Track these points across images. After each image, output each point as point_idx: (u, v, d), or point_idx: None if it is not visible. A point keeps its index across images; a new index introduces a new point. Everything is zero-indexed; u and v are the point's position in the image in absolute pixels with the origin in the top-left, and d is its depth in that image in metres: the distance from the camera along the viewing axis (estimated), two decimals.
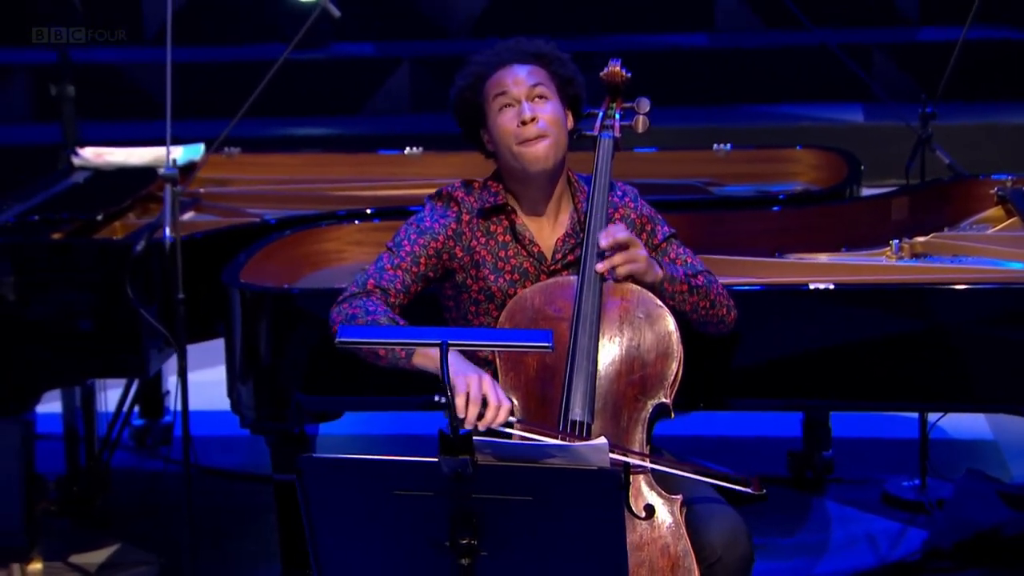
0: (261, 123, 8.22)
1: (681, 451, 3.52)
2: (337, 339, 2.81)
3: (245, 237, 4.46)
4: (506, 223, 3.47)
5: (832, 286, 3.85)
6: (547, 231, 3.50)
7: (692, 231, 4.39)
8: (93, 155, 5.25)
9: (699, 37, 9.45)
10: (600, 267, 3.32)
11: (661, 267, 3.40)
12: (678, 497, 3.23)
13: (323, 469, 2.77)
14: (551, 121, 3.37)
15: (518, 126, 3.37)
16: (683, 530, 3.19)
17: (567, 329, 3.28)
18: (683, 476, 3.25)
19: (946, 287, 3.88)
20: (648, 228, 3.52)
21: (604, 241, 3.32)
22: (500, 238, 3.47)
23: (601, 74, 3.54)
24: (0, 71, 8.88)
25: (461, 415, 3.05)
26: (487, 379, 3.15)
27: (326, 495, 2.78)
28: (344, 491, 2.77)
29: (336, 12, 4.61)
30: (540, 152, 3.38)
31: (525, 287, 3.43)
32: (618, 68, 3.51)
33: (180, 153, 5.23)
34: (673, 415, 3.36)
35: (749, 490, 3.22)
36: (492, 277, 3.44)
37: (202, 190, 5.11)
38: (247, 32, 9.30)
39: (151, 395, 5.56)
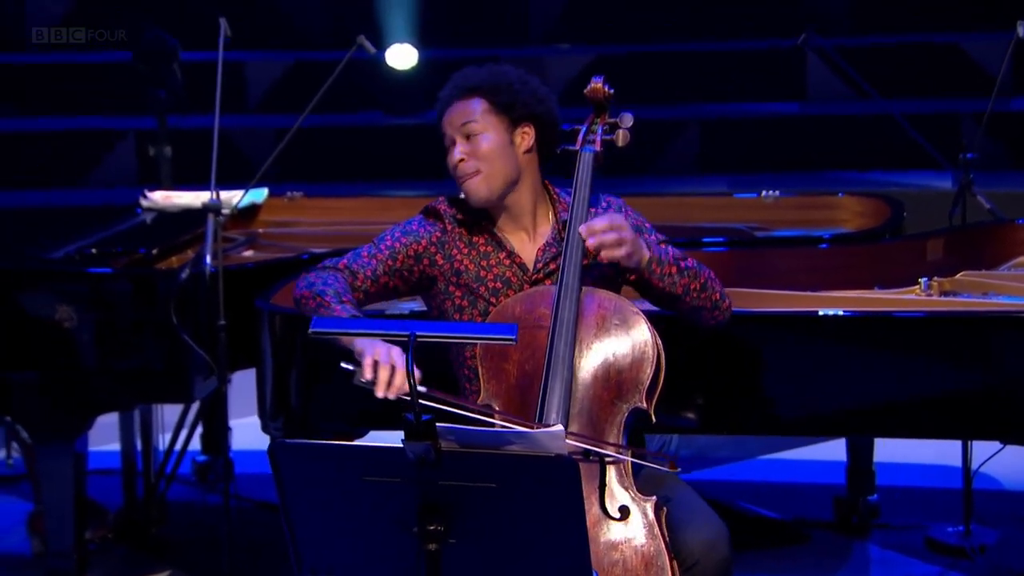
0: (363, 186, 8.48)
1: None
2: (310, 330, 2.95)
3: (286, 269, 4.62)
4: (488, 235, 3.61)
5: (842, 312, 3.91)
6: (528, 242, 3.62)
7: (726, 268, 4.49)
8: (161, 198, 5.46)
9: (791, 105, 9.50)
10: (590, 243, 3.40)
11: (649, 248, 3.48)
12: (652, 498, 3.29)
13: (295, 454, 2.88)
14: (482, 156, 3.53)
15: (454, 166, 3.55)
16: (657, 531, 3.25)
17: (546, 336, 3.37)
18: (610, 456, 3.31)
19: (971, 313, 3.93)
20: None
21: (589, 239, 3.41)
22: (483, 249, 3.60)
23: (585, 91, 3.64)
24: (110, 135, 9.20)
25: (370, 376, 3.18)
26: (395, 348, 3.24)
27: (299, 480, 2.89)
28: (316, 476, 2.88)
29: (372, 48, 4.78)
30: (472, 188, 3.55)
31: (508, 296, 3.54)
32: (600, 84, 3.62)
33: (245, 196, 5.44)
34: (654, 420, 3.42)
35: (664, 468, 3.36)
36: (475, 286, 3.57)
37: (261, 230, 5.30)
38: (348, 101, 9.55)
39: (213, 432, 5.73)
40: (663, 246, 3.58)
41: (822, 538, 5.15)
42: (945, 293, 4.41)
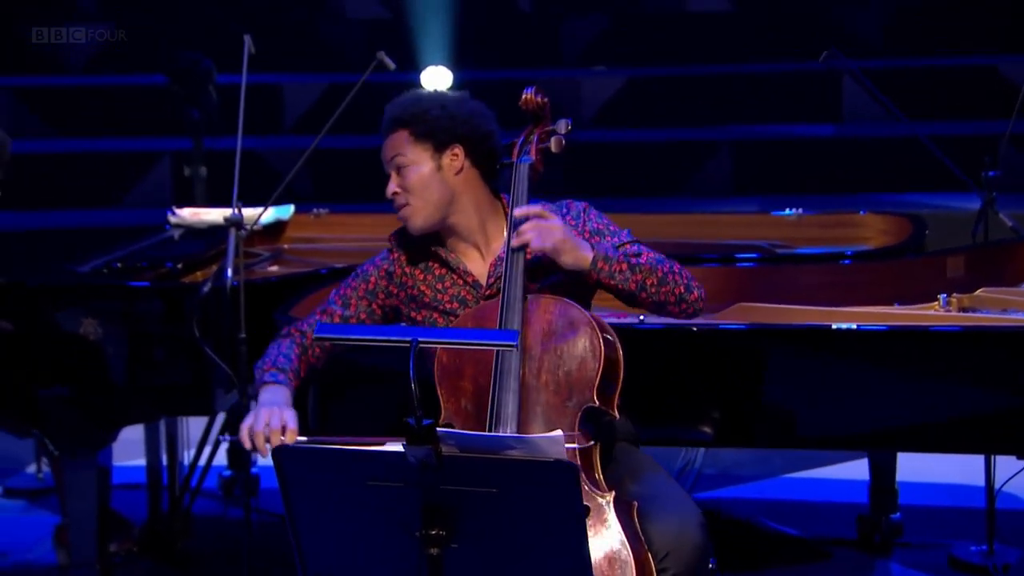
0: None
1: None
2: (314, 336, 3.00)
3: (304, 283, 4.66)
4: (439, 257, 3.68)
5: (855, 326, 3.92)
6: (479, 259, 3.69)
7: (745, 283, 4.51)
8: (189, 214, 5.51)
9: (826, 128, 9.50)
10: (515, 241, 3.47)
11: (592, 248, 3.52)
12: (611, 492, 3.33)
13: (299, 458, 2.92)
14: (411, 188, 3.62)
15: (389, 199, 3.67)
16: (618, 526, 3.28)
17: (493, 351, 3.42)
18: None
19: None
20: (594, 241, 3.62)
21: (514, 240, 3.48)
22: (436, 272, 3.69)
23: (519, 103, 3.67)
24: (147, 157, 9.30)
25: (248, 447, 3.50)
26: (263, 412, 3.52)
27: (303, 483, 2.92)
28: (320, 480, 2.91)
29: (392, 65, 4.81)
30: (407, 219, 3.66)
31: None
32: (531, 95, 3.65)
33: (270, 213, 5.50)
34: (617, 416, 3.46)
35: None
36: (428, 312, 3.67)
37: (286, 246, 5.35)
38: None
39: (239, 447, 5.76)
40: (618, 250, 3.58)
41: (844, 556, 5.13)
42: (964, 309, 4.40)
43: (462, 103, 3.68)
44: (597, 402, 3.42)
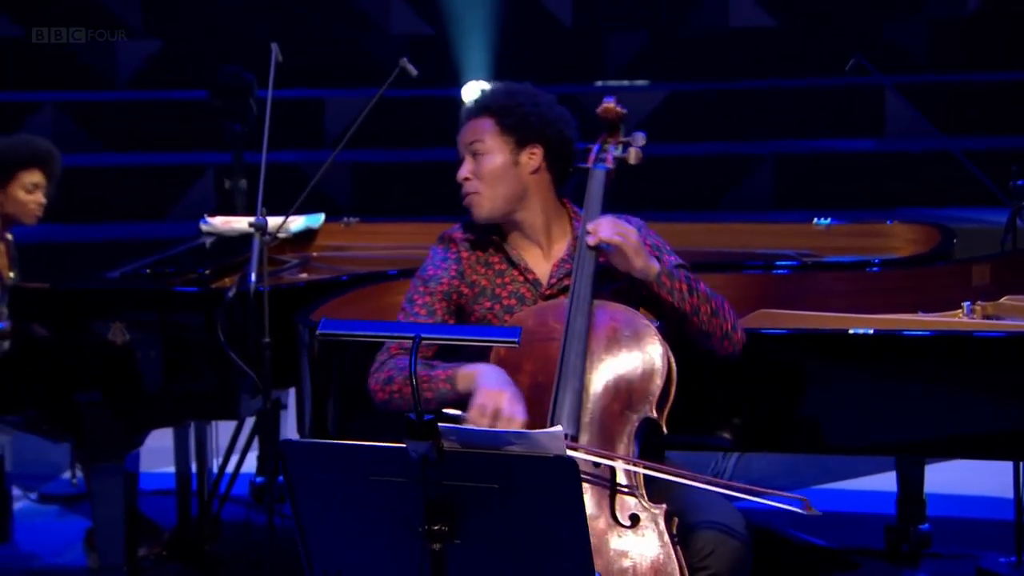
0: (441, 220, 8.56)
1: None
2: (317, 332, 3.02)
3: (325, 289, 4.70)
4: (501, 254, 3.69)
5: (871, 331, 3.91)
6: (542, 259, 3.70)
7: (769, 291, 4.51)
8: (221, 223, 5.55)
9: (867, 142, 9.48)
10: (590, 239, 3.48)
11: (660, 262, 3.52)
12: (662, 506, 3.32)
13: (304, 453, 2.94)
14: (484, 176, 3.62)
15: (460, 183, 3.66)
16: (667, 538, 3.28)
17: (558, 348, 3.42)
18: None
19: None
20: (655, 256, 3.62)
21: (590, 237, 3.49)
22: (497, 267, 3.70)
23: (597, 111, 3.70)
24: (192, 170, 9.38)
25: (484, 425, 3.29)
26: (507, 395, 3.34)
27: (309, 479, 2.95)
28: (325, 475, 2.94)
29: (414, 71, 4.85)
30: (472, 206, 3.66)
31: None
32: (612, 104, 3.68)
33: (301, 221, 5.54)
34: (666, 430, 3.45)
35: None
36: (490, 303, 3.66)
37: (315, 254, 5.39)
38: (426, 137, 9.65)
39: (270, 453, 5.80)
40: (679, 271, 3.61)
41: (872, 566, 5.11)
42: (988, 317, 4.38)
43: (552, 106, 3.71)
44: (655, 414, 3.43)
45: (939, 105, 9.40)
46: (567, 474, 2.79)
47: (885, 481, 5.55)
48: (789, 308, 4.40)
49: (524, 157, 3.64)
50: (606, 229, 3.48)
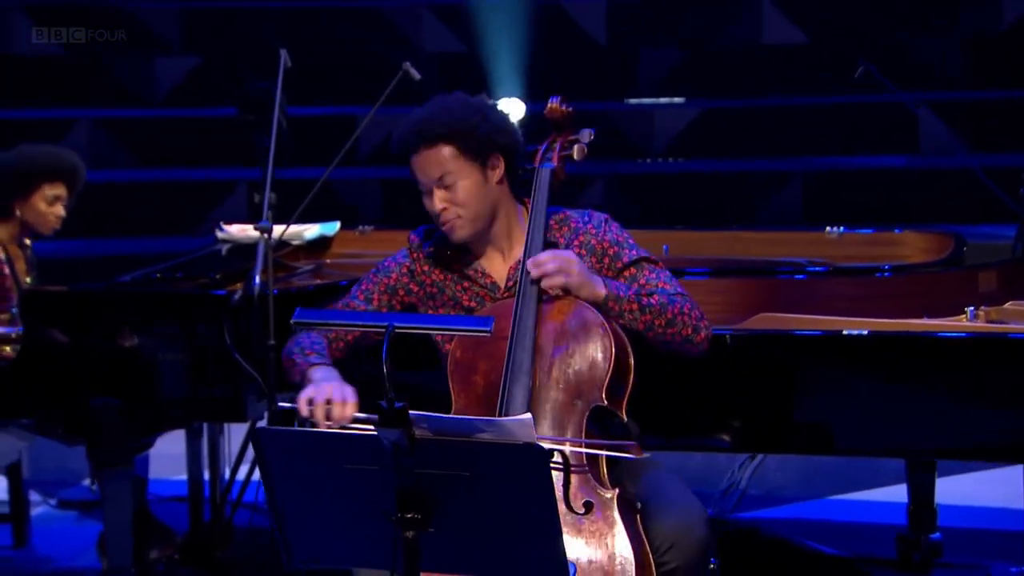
0: None
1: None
2: (292, 320, 3.05)
3: (329, 293, 4.72)
4: (462, 260, 3.73)
5: (866, 332, 3.90)
6: (499, 262, 3.74)
7: (772, 296, 4.50)
8: (237, 231, 5.60)
9: (899, 159, 9.44)
10: (533, 274, 3.53)
11: (605, 286, 3.55)
12: (615, 490, 3.36)
13: (278, 441, 2.96)
14: (461, 202, 3.63)
15: (435, 214, 3.67)
16: (621, 523, 3.32)
17: (507, 346, 3.46)
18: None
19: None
20: (611, 252, 3.68)
21: (533, 270, 3.54)
22: (455, 272, 3.74)
23: (544, 112, 3.74)
24: (225, 185, 9.46)
25: (305, 414, 3.44)
26: (333, 383, 3.47)
27: (284, 466, 2.97)
28: (300, 463, 2.96)
29: (417, 75, 4.88)
30: (455, 232, 3.67)
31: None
32: (556, 104, 3.73)
33: (316, 229, 5.59)
34: (625, 418, 3.50)
35: (631, 455, 3.39)
36: (450, 305, 3.71)
37: (328, 261, 5.43)
38: None
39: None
40: (644, 274, 3.65)
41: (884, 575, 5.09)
42: (992, 322, 4.35)
43: (495, 111, 3.73)
44: (605, 402, 3.46)
45: (973, 122, 9.37)
46: (536, 461, 2.80)
47: (897, 491, 5.53)
48: (793, 312, 4.40)
49: (489, 171, 3.67)
50: (547, 269, 3.52)
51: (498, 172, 3.67)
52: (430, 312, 3.75)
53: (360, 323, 2.98)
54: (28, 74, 9.85)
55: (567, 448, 3.38)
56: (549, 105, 3.73)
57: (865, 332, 3.92)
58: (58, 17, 9.85)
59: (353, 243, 5.66)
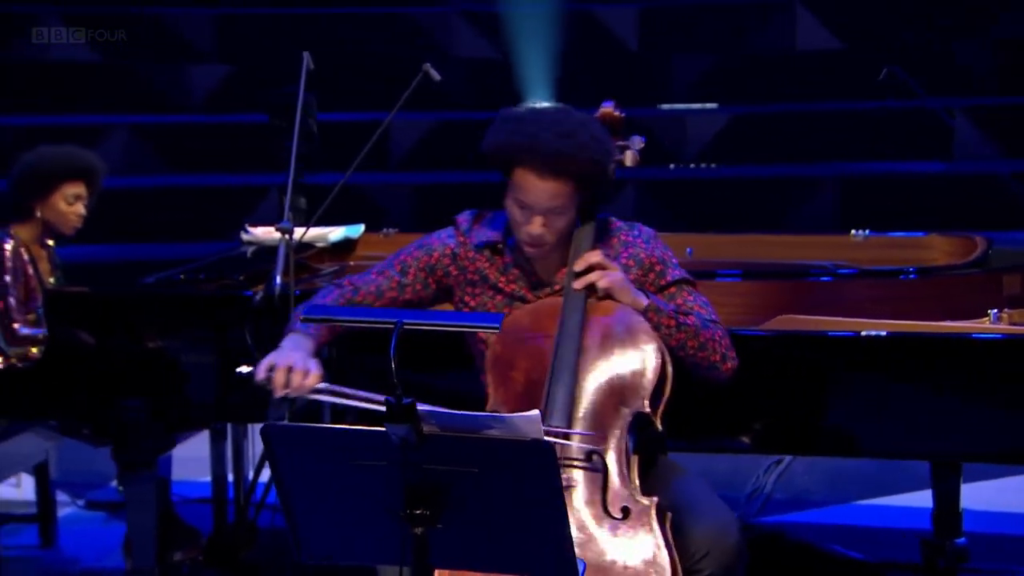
0: None
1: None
2: (300, 317, 3.05)
3: None
4: (513, 250, 3.70)
5: (884, 333, 3.88)
6: (553, 262, 3.69)
7: (793, 298, 4.49)
8: (262, 233, 5.61)
9: (934, 164, 9.39)
10: (577, 283, 3.50)
11: (647, 296, 3.54)
12: (653, 499, 3.33)
13: (287, 438, 2.96)
14: (558, 231, 3.59)
15: (525, 226, 3.58)
16: (658, 530, 3.29)
17: (551, 345, 3.45)
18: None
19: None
20: (657, 269, 3.68)
21: (578, 266, 3.54)
22: (500, 263, 3.71)
23: (596, 115, 3.74)
24: (258, 191, 9.50)
25: (262, 377, 3.44)
26: (297, 353, 3.44)
27: (294, 463, 2.97)
28: (309, 459, 2.96)
29: (437, 76, 4.88)
30: (535, 253, 3.64)
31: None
32: (610, 109, 3.71)
33: (340, 231, 5.60)
34: (660, 427, 3.47)
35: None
36: (490, 294, 3.69)
37: (352, 263, 5.44)
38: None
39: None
40: (682, 295, 3.65)
41: None
42: (1015, 324, 4.32)
43: (609, 141, 3.64)
44: (648, 409, 3.45)
45: (1008, 127, 9.31)
46: (544, 458, 2.79)
47: (922, 497, 5.49)
48: (817, 314, 4.38)
49: (579, 197, 3.61)
50: (594, 262, 3.53)
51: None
52: (467, 297, 3.72)
53: (368, 319, 2.98)
54: (65, 81, 9.93)
55: (610, 454, 3.36)
56: (602, 110, 3.73)
57: (886, 333, 3.89)
58: (92, 22, 9.93)
59: (377, 246, 5.67)
